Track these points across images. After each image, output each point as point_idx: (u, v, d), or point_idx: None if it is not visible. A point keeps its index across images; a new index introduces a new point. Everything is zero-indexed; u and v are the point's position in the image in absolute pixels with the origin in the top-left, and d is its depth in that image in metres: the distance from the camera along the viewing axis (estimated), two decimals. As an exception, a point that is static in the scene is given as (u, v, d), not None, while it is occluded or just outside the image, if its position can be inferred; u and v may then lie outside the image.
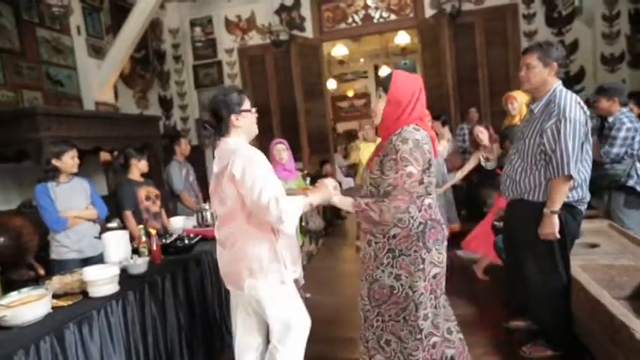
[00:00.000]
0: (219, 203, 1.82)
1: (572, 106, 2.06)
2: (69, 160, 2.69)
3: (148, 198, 3.25)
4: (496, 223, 3.25)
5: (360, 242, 1.94)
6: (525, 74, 2.21)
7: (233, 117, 1.76)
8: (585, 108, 2.10)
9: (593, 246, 2.75)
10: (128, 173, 3.28)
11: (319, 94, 6.64)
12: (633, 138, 2.94)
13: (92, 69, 4.89)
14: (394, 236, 1.70)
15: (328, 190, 1.81)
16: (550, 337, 2.33)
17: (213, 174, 1.81)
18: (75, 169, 2.76)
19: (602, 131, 3.10)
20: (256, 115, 1.87)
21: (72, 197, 2.72)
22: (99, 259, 2.55)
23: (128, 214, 3.14)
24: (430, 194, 1.74)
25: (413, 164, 1.62)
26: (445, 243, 1.76)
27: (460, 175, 3.85)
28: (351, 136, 9.99)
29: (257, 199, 1.63)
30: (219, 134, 1.79)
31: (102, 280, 1.94)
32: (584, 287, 2.09)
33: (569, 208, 2.17)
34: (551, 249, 2.19)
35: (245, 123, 1.80)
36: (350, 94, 11.47)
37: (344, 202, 1.79)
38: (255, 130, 1.86)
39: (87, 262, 2.57)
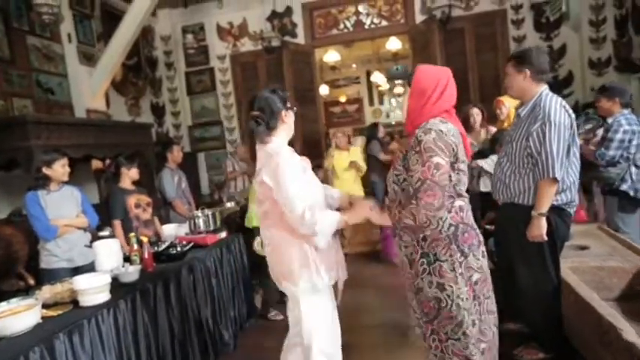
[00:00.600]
0: (258, 204, 1.88)
1: (557, 109, 2.09)
2: (59, 169, 2.68)
3: (138, 206, 3.23)
4: (487, 226, 3.27)
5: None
6: (508, 82, 2.28)
7: (283, 112, 1.82)
8: (570, 111, 2.14)
9: (583, 248, 2.78)
10: (119, 182, 3.27)
11: (311, 99, 6.67)
12: (630, 141, 2.85)
13: (83, 76, 4.87)
14: (424, 239, 1.59)
15: (365, 210, 1.76)
16: (542, 340, 2.34)
17: (256, 174, 1.85)
18: (65, 178, 2.75)
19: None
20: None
21: (62, 205, 2.71)
22: (90, 268, 2.53)
23: (116, 223, 3.13)
24: (461, 195, 1.63)
25: (439, 154, 1.50)
26: (482, 248, 1.64)
27: None
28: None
29: (291, 208, 1.66)
30: (269, 128, 1.80)
31: (92, 289, 1.93)
32: (573, 289, 2.11)
33: (558, 211, 2.19)
34: (541, 252, 2.21)
35: (290, 120, 1.86)
36: (342, 99, 11.52)
37: (382, 219, 1.74)
38: (293, 129, 1.90)
39: (77, 271, 2.55)
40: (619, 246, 2.71)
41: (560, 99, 2.17)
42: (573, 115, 2.14)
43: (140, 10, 4.82)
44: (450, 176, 1.56)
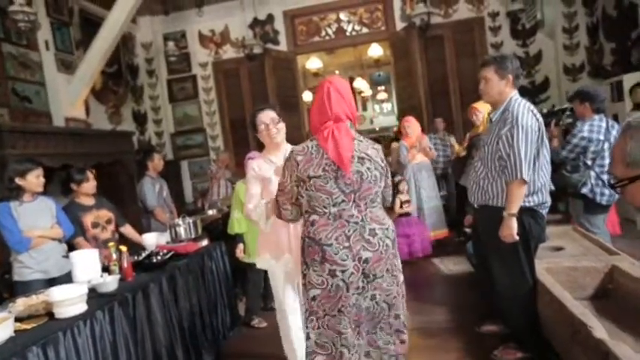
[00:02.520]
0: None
1: (525, 113, 2.15)
2: (33, 179, 2.62)
3: (96, 225, 3.03)
4: (467, 229, 3.33)
5: None
6: (484, 87, 2.31)
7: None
8: (538, 116, 2.20)
9: (558, 249, 2.84)
10: (75, 196, 3.03)
11: (294, 106, 6.70)
12: (585, 148, 2.95)
13: (62, 84, 4.81)
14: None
15: None
16: (520, 340, 2.39)
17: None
18: (40, 189, 2.69)
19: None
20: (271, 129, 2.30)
21: (36, 217, 2.65)
22: (66, 279, 2.48)
23: (80, 240, 2.91)
24: (316, 212, 1.67)
25: (283, 176, 1.75)
26: (327, 266, 1.63)
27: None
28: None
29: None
30: None
31: (68, 300, 1.90)
32: (548, 289, 2.16)
33: (531, 212, 2.25)
34: (516, 253, 2.26)
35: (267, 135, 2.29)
36: (326, 105, 11.57)
37: None
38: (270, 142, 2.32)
39: (53, 282, 2.50)
40: (592, 246, 2.79)
41: (528, 104, 2.23)
42: (541, 119, 2.21)
43: (119, 17, 4.79)
44: (299, 192, 1.70)
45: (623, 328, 2.01)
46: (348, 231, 1.64)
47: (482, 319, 2.77)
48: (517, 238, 2.17)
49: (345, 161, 1.61)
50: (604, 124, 2.99)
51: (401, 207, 4.33)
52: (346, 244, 1.63)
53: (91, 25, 5.39)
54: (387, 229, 1.71)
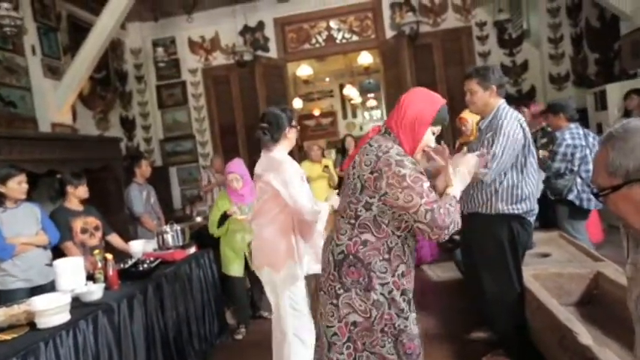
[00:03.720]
0: (258, 199, 2.22)
1: (511, 122, 2.19)
2: (15, 186, 2.57)
3: (84, 231, 2.99)
4: (455, 236, 3.34)
5: None
6: (470, 99, 2.34)
7: (287, 129, 2.18)
8: (525, 126, 2.23)
9: (545, 255, 2.88)
10: (65, 201, 3.01)
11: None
12: (572, 154, 3.06)
13: (48, 90, 4.74)
14: None
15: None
16: (508, 346, 2.40)
17: (255, 173, 2.23)
18: (23, 195, 2.64)
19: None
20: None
21: (20, 223, 2.60)
22: (50, 288, 2.44)
23: (69, 245, 2.88)
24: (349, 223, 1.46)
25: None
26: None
27: None
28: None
29: (300, 202, 2.06)
30: (273, 140, 2.17)
31: (51, 310, 1.86)
32: (535, 295, 2.18)
33: (519, 219, 2.27)
34: (504, 260, 2.28)
35: (293, 136, 2.23)
36: (316, 112, 11.61)
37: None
38: (294, 143, 2.27)
39: (36, 291, 2.45)
40: (577, 252, 2.83)
41: (516, 113, 2.27)
42: (527, 130, 2.24)
43: (108, 23, 4.75)
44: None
45: (607, 334, 2.03)
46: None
47: (471, 326, 2.78)
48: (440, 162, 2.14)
49: (343, 165, 1.64)
50: (581, 131, 3.15)
51: None
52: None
53: (79, 31, 5.34)
54: (337, 245, 1.47)
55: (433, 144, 1.55)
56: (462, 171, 1.49)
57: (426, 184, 1.37)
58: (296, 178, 2.10)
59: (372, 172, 1.40)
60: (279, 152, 2.18)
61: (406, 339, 1.43)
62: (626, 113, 4.22)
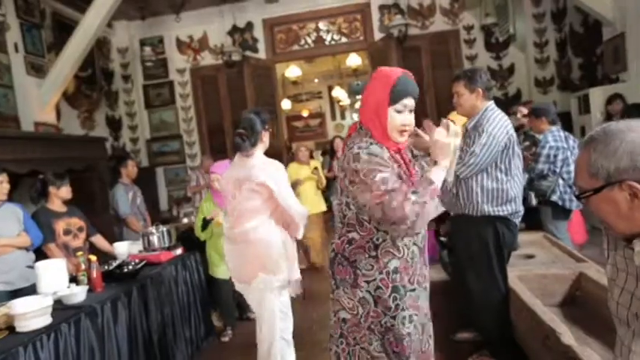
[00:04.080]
0: (239, 203, 2.17)
1: (496, 123, 2.21)
2: (-6, 186, 2.51)
3: (67, 232, 2.93)
4: (442, 238, 3.37)
5: None
6: (457, 101, 2.37)
7: (262, 132, 2.22)
8: (510, 129, 2.26)
9: (529, 257, 2.91)
10: (47, 202, 2.94)
11: (273, 114, 6.69)
12: (555, 156, 3.15)
13: (31, 88, 4.66)
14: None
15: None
16: (493, 347, 2.42)
17: (235, 178, 2.19)
18: (3, 196, 2.58)
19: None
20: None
21: (1, 224, 2.54)
22: (31, 291, 2.38)
23: (51, 246, 2.82)
24: None
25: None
26: None
27: None
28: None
29: (291, 203, 2.15)
30: (251, 144, 2.19)
31: (31, 313, 1.81)
32: (519, 297, 2.20)
33: (505, 221, 2.30)
34: (489, 261, 2.30)
35: (266, 139, 2.26)
36: (305, 113, 11.61)
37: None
38: (267, 145, 2.29)
39: (17, 294, 2.39)
40: (561, 253, 2.87)
41: (502, 115, 2.29)
42: (512, 133, 2.26)
43: (94, 21, 4.68)
44: None
45: (590, 334, 2.07)
46: None
47: (457, 327, 2.80)
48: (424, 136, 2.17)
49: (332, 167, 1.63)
50: (562, 134, 3.25)
51: None
52: None
53: (63, 28, 5.26)
54: (331, 243, 1.53)
55: (408, 121, 1.41)
56: (440, 143, 1.37)
57: (382, 175, 1.29)
58: (286, 180, 2.19)
59: (341, 172, 1.42)
60: (257, 156, 2.20)
61: (393, 338, 1.40)
62: (608, 117, 4.31)
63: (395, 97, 1.39)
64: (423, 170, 1.48)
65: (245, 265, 2.19)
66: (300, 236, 2.25)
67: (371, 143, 1.39)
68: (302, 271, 4.37)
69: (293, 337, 2.36)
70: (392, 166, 1.38)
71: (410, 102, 1.42)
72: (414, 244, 1.44)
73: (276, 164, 2.21)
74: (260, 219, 2.15)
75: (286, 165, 5.43)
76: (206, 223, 3.10)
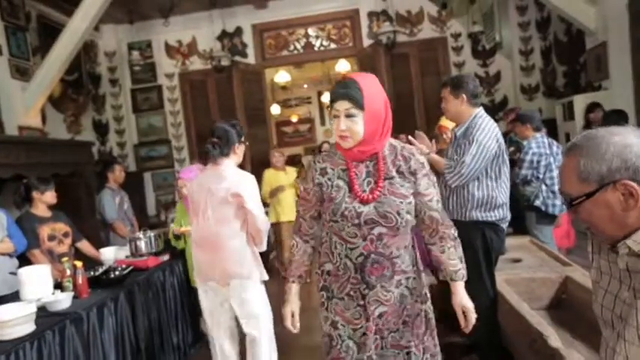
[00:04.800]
0: (212, 211, 2.19)
1: (485, 131, 2.24)
2: (-22, 190, 2.46)
3: (52, 238, 2.89)
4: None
5: None
6: (444, 106, 2.41)
7: (236, 145, 2.25)
8: (499, 137, 2.29)
9: (517, 261, 2.95)
10: (31, 207, 2.89)
11: (262, 119, 6.68)
12: (538, 162, 3.22)
13: (16, 91, 4.57)
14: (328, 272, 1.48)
15: None
16: (482, 351, 2.44)
17: (207, 186, 2.21)
18: None
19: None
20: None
21: (-17, 230, 2.49)
22: (16, 297, 2.33)
23: (36, 252, 2.78)
24: None
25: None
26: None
27: None
28: (296, 160, 10.06)
29: (259, 212, 2.19)
30: (222, 154, 2.22)
31: (13, 321, 1.77)
32: (507, 300, 2.23)
33: (493, 226, 2.32)
34: (478, 266, 2.31)
35: (241, 152, 2.30)
36: (294, 119, 11.62)
37: None
38: (241, 159, 2.33)
39: (1, 301, 2.33)
40: (547, 257, 2.92)
41: (491, 123, 2.32)
42: (502, 141, 2.29)
43: (81, 24, 4.63)
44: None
45: (576, 337, 2.10)
46: None
47: (445, 331, 2.81)
48: (427, 150, 2.32)
49: None
50: (546, 140, 3.33)
51: None
52: None
53: (49, 32, 5.19)
54: None
55: (343, 126, 1.34)
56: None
57: (302, 192, 1.53)
58: (257, 192, 2.25)
59: None
60: (228, 167, 2.23)
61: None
62: (588, 125, 4.39)
63: (331, 102, 1.39)
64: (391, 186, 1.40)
65: (218, 269, 2.20)
66: (263, 248, 2.26)
67: (333, 154, 1.48)
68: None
69: (278, 342, 2.40)
70: (323, 181, 1.44)
71: (341, 106, 1.34)
72: (347, 257, 1.41)
73: (247, 175, 2.24)
74: (233, 228, 2.18)
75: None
76: (177, 236, 3.08)
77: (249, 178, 2.23)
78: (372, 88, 1.37)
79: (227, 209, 2.16)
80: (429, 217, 1.46)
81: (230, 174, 2.20)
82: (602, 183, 0.84)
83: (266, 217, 2.26)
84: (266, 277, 2.28)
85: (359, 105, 1.33)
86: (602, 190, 0.85)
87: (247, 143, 2.36)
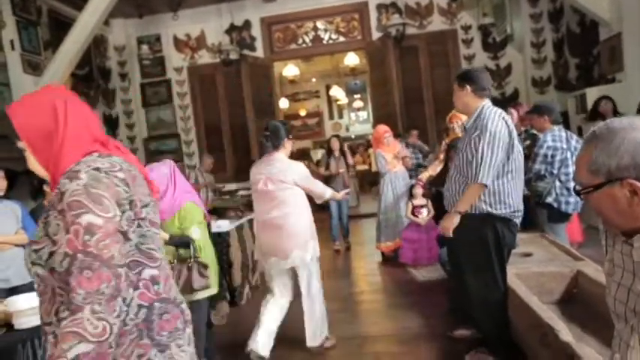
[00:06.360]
0: (275, 194, 2.56)
1: (495, 120, 2.21)
2: (-9, 183, 2.51)
3: None
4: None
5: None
6: (454, 98, 2.40)
7: (285, 140, 2.64)
8: (510, 123, 2.26)
9: (527, 255, 2.92)
10: (45, 199, 2.95)
11: (270, 112, 6.69)
12: (553, 157, 3.05)
13: (28, 86, 4.63)
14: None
15: None
16: (491, 344, 2.43)
17: (265, 173, 2.59)
18: (0, 192, 2.58)
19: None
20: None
21: (-1, 221, 2.53)
22: (29, 288, 2.36)
23: None
24: (153, 257, 1.05)
25: (92, 210, 0.93)
26: (189, 331, 1.10)
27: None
28: (305, 154, 10.07)
29: (317, 186, 2.71)
30: (273, 146, 2.62)
31: (29, 310, 1.81)
32: (518, 294, 2.21)
33: (505, 221, 2.29)
34: (489, 260, 2.29)
35: (289, 146, 2.70)
36: (302, 113, 11.62)
37: None
38: (289, 152, 2.72)
39: (14, 291, 2.38)
40: (558, 251, 2.88)
41: (500, 111, 2.29)
42: (512, 127, 2.27)
43: (91, 18, 4.67)
44: (126, 233, 1.00)
45: (587, 331, 2.08)
46: None
47: (455, 325, 2.81)
48: (451, 234, 2.28)
49: (151, 183, 1.17)
50: (564, 134, 3.14)
51: (413, 214, 4.29)
52: None
53: (60, 26, 5.24)
54: None
55: None
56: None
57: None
58: (307, 172, 2.68)
59: None
60: (280, 156, 2.62)
61: None
62: (600, 117, 4.27)
63: None
64: None
65: (281, 243, 2.56)
66: (327, 196, 2.76)
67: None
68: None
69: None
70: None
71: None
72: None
73: (296, 162, 2.70)
74: (290, 207, 2.57)
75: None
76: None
77: (299, 164, 2.68)
78: (24, 110, 1.05)
79: (282, 191, 2.55)
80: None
81: (281, 162, 2.60)
82: (610, 178, 0.85)
83: (324, 188, 2.73)
84: (318, 253, 2.66)
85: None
86: (609, 185, 0.85)
87: (293, 139, 2.77)
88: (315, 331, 2.67)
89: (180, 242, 2.24)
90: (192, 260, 2.20)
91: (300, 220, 2.58)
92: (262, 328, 2.59)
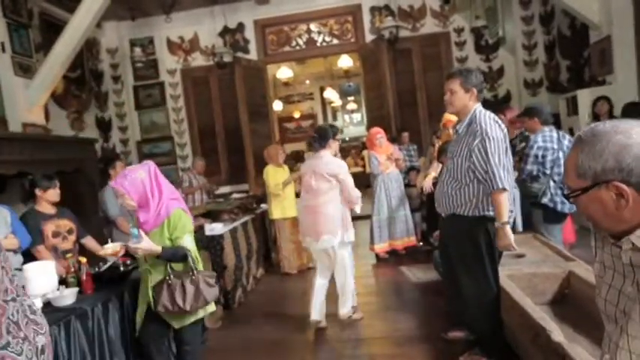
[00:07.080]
0: (316, 185, 3.01)
1: (492, 125, 2.23)
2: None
3: (56, 234, 2.89)
4: (432, 240, 3.39)
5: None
6: (449, 99, 2.35)
7: (330, 140, 3.04)
8: (503, 126, 2.28)
9: (520, 256, 2.94)
10: (35, 204, 2.90)
11: (264, 115, 6.68)
12: (544, 157, 3.09)
13: (19, 88, 4.59)
14: None
15: None
16: (485, 346, 2.44)
17: (312, 168, 3.06)
18: None
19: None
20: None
21: (-12, 226, 2.50)
22: (20, 293, 2.34)
23: (40, 249, 2.79)
24: None
25: None
26: None
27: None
28: (299, 156, 10.05)
29: (353, 187, 3.03)
30: (320, 146, 3.05)
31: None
32: (510, 295, 2.23)
33: (495, 221, 2.31)
34: (481, 261, 2.31)
35: (335, 145, 3.10)
36: (296, 115, 11.62)
37: None
38: (335, 152, 3.16)
39: (5, 296, 2.35)
40: (550, 253, 2.91)
41: (492, 114, 2.31)
42: (505, 130, 2.29)
43: (83, 21, 4.64)
44: None
45: (579, 332, 2.10)
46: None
47: (448, 326, 2.82)
48: (517, 248, 2.23)
49: None
50: (555, 134, 3.18)
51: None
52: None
53: (52, 28, 5.20)
54: None
55: None
56: None
57: None
58: (347, 171, 3.04)
59: None
60: (325, 155, 3.03)
61: None
62: (596, 118, 4.37)
63: None
64: None
65: (315, 227, 2.99)
66: (358, 208, 3.10)
67: None
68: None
69: None
70: None
71: None
72: None
73: (339, 160, 3.13)
74: (329, 197, 2.98)
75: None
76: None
77: (341, 163, 3.09)
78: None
79: (324, 183, 2.97)
80: None
81: (327, 159, 3.01)
82: (596, 181, 0.87)
83: (357, 190, 3.04)
84: (352, 238, 3.06)
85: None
86: (596, 188, 0.87)
87: (339, 141, 3.15)
88: (346, 302, 3.08)
89: (175, 256, 2.06)
90: (195, 273, 2.06)
91: (332, 210, 2.96)
92: (314, 301, 3.09)
